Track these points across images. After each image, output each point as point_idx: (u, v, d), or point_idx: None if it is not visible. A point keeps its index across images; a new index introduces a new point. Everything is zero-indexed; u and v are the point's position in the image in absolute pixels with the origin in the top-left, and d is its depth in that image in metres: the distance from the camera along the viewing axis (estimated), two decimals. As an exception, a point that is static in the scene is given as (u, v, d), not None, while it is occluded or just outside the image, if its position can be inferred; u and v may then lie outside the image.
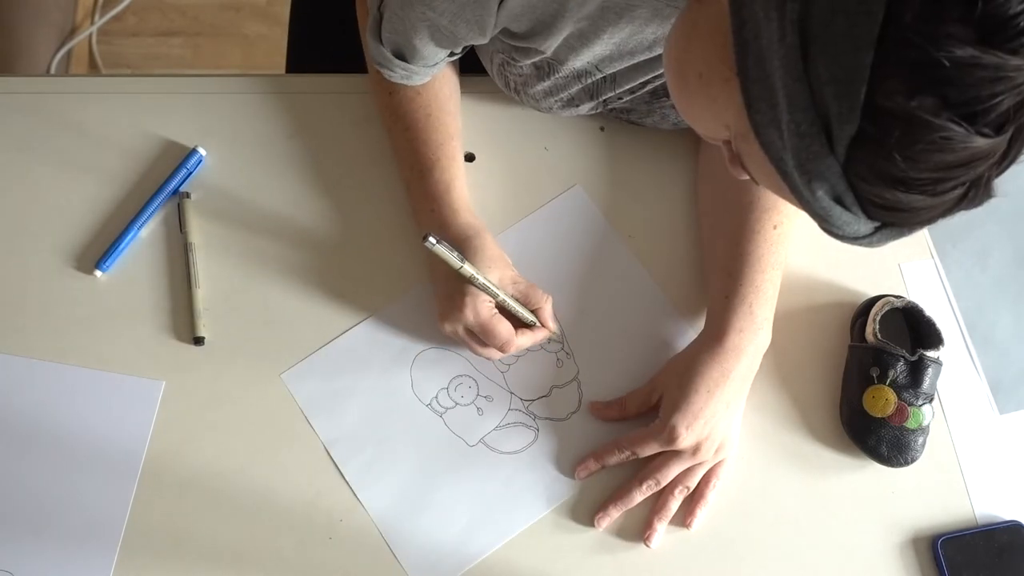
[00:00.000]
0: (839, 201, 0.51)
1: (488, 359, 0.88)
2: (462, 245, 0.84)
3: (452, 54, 0.89)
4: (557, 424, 0.89)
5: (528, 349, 0.89)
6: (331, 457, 0.86)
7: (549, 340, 0.90)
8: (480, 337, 0.84)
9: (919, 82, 0.45)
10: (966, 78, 0.44)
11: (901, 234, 0.54)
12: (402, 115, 0.91)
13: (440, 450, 0.88)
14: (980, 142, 0.46)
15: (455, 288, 0.83)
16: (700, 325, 0.89)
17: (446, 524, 0.85)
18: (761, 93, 0.50)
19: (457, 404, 0.89)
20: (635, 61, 0.81)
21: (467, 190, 0.90)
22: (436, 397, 0.89)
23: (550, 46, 0.80)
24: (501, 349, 0.84)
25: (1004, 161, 0.49)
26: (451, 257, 0.79)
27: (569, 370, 0.90)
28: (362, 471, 0.86)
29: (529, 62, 0.84)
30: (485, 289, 0.82)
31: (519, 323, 0.86)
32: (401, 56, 0.87)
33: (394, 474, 0.87)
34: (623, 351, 0.91)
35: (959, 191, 0.49)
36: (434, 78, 0.92)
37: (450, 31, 0.80)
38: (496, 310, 0.84)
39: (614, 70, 0.83)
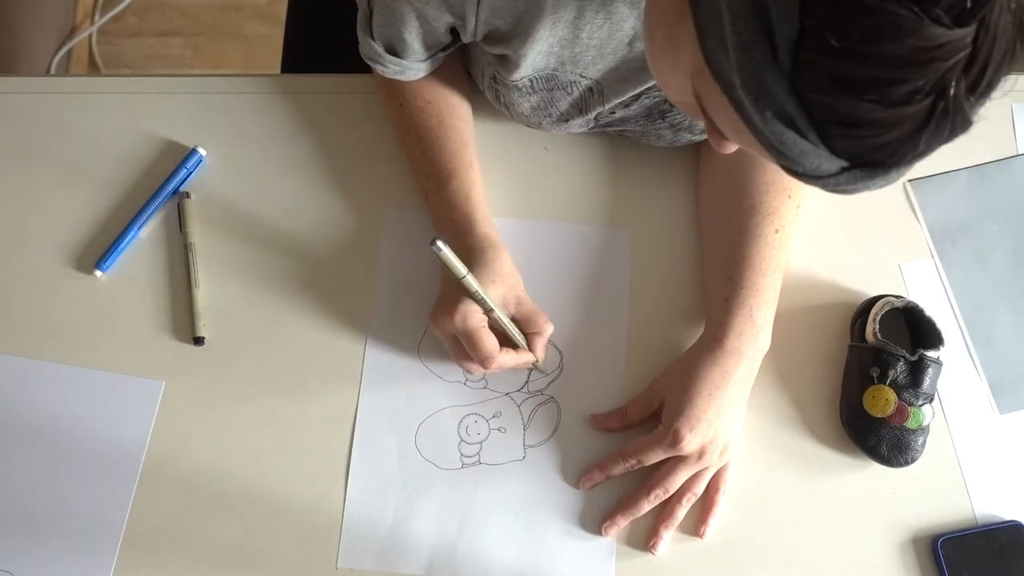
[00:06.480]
0: (792, 125, 0.49)
1: (468, 373, 0.86)
2: (473, 256, 0.83)
3: (444, 50, 0.87)
4: (564, 382, 0.89)
5: (510, 369, 0.86)
6: None
7: (533, 367, 0.88)
8: (464, 347, 0.83)
9: None
10: None
11: (873, 176, 0.51)
12: (414, 125, 0.90)
13: (508, 487, 0.86)
14: (935, 31, 0.43)
15: (452, 293, 0.82)
16: (699, 328, 0.89)
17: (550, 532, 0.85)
18: (710, 16, 0.50)
19: (481, 442, 0.88)
20: (617, 62, 0.80)
21: (485, 198, 0.89)
22: (461, 454, 0.87)
23: (529, 51, 0.78)
24: (482, 363, 0.82)
25: (972, 67, 0.45)
26: (456, 265, 0.78)
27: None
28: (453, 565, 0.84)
29: (514, 75, 0.83)
30: (481, 302, 0.81)
31: (510, 344, 0.84)
32: (393, 51, 0.86)
33: (496, 537, 0.85)
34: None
35: (923, 101, 0.46)
36: (442, 84, 0.91)
37: (435, 19, 0.79)
38: (486, 324, 0.82)
39: (598, 75, 0.82)
